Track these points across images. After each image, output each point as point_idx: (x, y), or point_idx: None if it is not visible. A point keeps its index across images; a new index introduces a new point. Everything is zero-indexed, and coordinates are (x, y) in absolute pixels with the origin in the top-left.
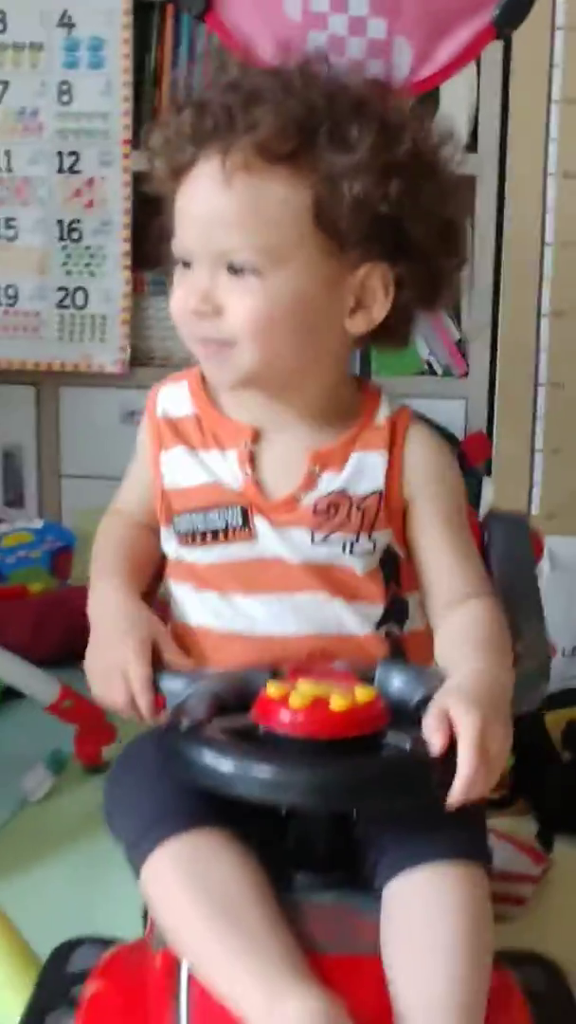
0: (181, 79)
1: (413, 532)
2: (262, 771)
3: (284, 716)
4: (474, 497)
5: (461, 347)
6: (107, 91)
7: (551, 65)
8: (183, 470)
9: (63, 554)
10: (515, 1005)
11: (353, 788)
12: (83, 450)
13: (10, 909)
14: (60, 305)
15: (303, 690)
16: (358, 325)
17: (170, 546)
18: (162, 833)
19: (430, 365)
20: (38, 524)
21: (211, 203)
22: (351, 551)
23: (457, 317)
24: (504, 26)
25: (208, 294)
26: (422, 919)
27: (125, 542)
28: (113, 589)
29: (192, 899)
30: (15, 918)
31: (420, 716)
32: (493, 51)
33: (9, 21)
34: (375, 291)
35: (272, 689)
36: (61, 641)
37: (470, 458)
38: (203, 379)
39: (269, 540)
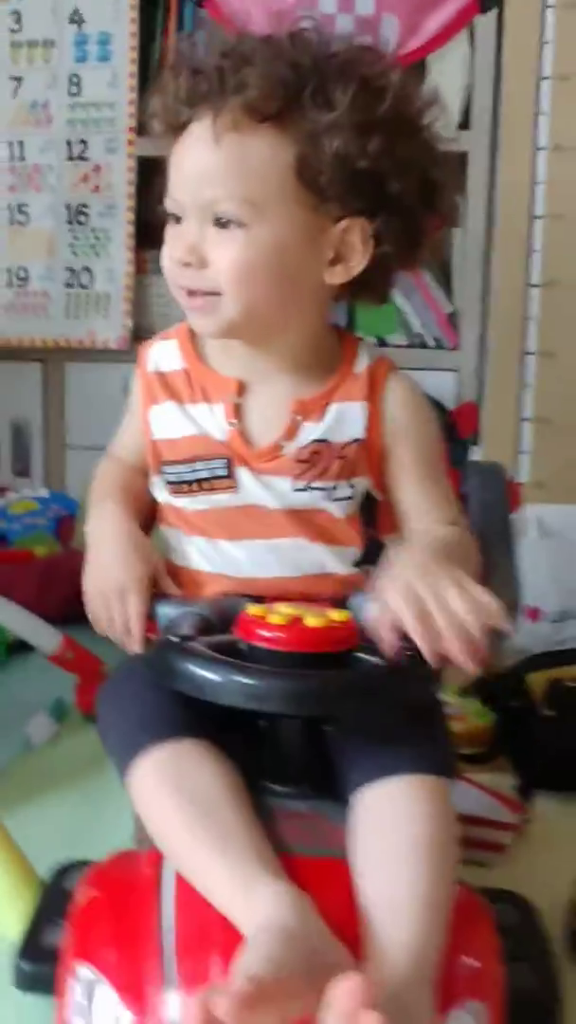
0: (181, 45)
1: (392, 476)
2: (245, 680)
3: (264, 632)
4: (463, 464)
5: (453, 320)
6: (114, 82)
7: (541, 42)
8: (171, 423)
9: (67, 521)
10: (484, 926)
11: (325, 696)
12: (87, 422)
13: (16, 838)
14: (67, 285)
15: (281, 610)
16: (337, 276)
17: (160, 493)
18: (147, 741)
19: (422, 337)
20: (44, 493)
21: (201, 159)
22: (332, 497)
23: (449, 290)
24: (488, 4)
25: (195, 246)
26: (389, 825)
27: (122, 481)
28: (113, 515)
29: (174, 801)
30: (20, 846)
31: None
32: (486, 29)
33: (24, 20)
34: (354, 244)
35: (252, 609)
36: (64, 601)
37: (460, 428)
38: (191, 335)
39: (251, 489)
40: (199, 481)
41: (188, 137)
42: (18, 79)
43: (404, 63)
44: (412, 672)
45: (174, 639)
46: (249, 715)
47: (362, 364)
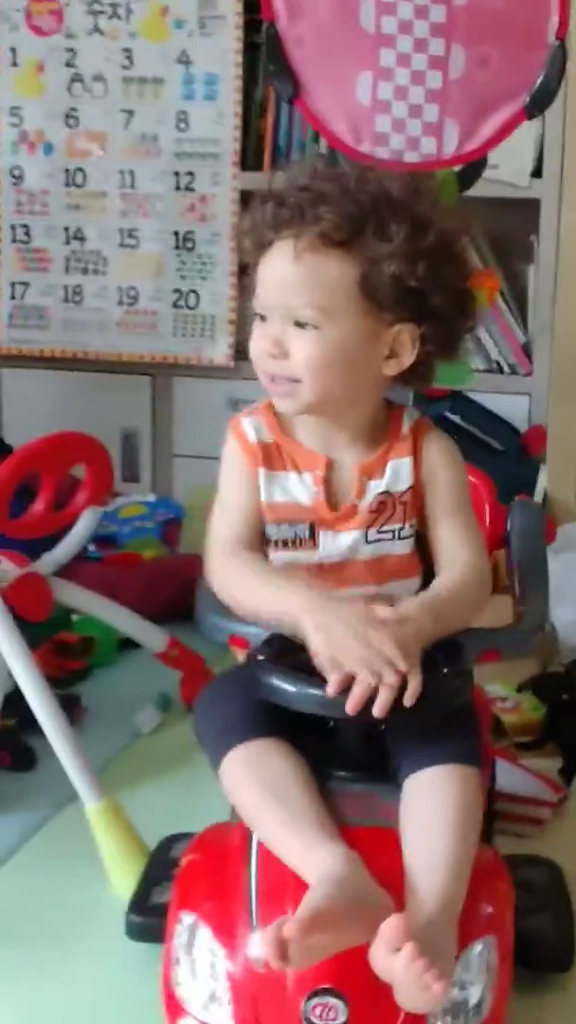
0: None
1: (428, 513)
2: (319, 693)
3: None
4: (531, 482)
5: (527, 348)
6: (219, 120)
7: None
8: (264, 489)
9: (173, 525)
10: (501, 881)
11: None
12: (192, 433)
13: (127, 813)
14: (175, 305)
15: None
16: (391, 369)
17: None
18: (235, 740)
19: (498, 364)
20: (152, 498)
21: (283, 272)
22: (399, 537)
23: (524, 321)
24: (533, 111)
25: (278, 340)
26: (428, 804)
27: (263, 564)
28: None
29: (256, 788)
30: (131, 820)
31: (435, 660)
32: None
33: (135, 59)
34: (405, 344)
35: None
36: (168, 602)
37: (531, 448)
38: (274, 412)
39: (330, 546)
40: (284, 541)
41: (273, 253)
42: (130, 112)
43: (463, 161)
44: (449, 687)
45: (263, 658)
46: (320, 718)
47: (406, 425)
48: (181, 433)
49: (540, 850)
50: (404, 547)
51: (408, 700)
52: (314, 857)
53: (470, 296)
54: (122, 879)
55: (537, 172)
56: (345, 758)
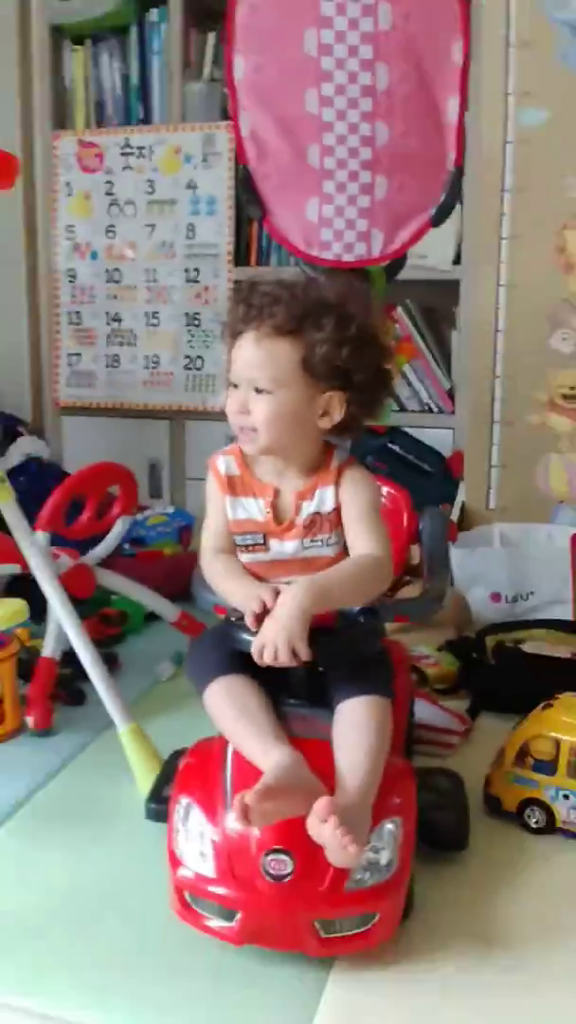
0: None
1: (344, 523)
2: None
3: None
4: (453, 496)
5: (450, 393)
6: (218, 229)
7: (501, 214)
8: (232, 509)
9: (186, 530)
10: (407, 780)
11: (319, 652)
12: (200, 462)
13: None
14: (186, 368)
15: None
16: (325, 423)
17: None
18: (215, 675)
19: (428, 405)
20: (170, 510)
21: (249, 354)
22: (327, 544)
23: (448, 372)
24: (437, 221)
25: (244, 402)
26: (353, 722)
27: (231, 564)
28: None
29: (229, 709)
30: (152, 739)
31: (359, 621)
32: (474, 203)
33: (156, 187)
34: (335, 406)
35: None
36: (183, 587)
37: (454, 470)
38: (241, 452)
39: (276, 550)
40: (246, 546)
41: (242, 341)
42: (152, 226)
43: (388, 259)
44: (365, 636)
45: (233, 619)
46: None
47: (334, 463)
48: (192, 462)
49: (450, 765)
50: (331, 551)
51: (293, 657)
52: (270, 754)
53: (387, 372)
54: (143, 780)
55: (457, 259)
56: (294, 691)
